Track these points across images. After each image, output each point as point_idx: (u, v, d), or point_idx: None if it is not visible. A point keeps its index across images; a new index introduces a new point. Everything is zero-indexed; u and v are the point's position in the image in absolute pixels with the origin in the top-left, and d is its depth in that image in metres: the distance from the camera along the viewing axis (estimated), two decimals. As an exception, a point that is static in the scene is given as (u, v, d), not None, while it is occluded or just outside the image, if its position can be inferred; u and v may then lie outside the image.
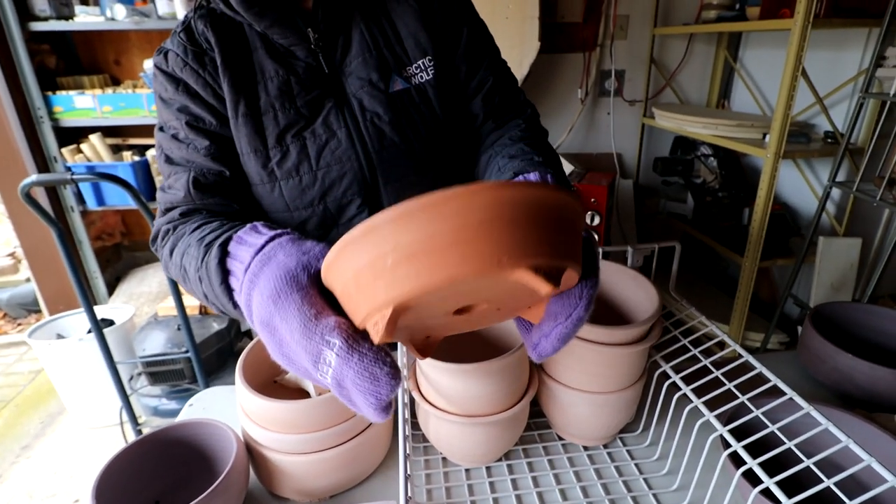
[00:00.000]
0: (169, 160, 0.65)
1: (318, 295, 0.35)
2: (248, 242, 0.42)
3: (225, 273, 0.44)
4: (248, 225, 0.45)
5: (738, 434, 0.53)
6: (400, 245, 0.28)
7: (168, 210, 0.64)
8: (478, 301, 0.36)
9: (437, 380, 0.59)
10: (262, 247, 0.40)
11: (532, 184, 0.30)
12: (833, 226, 1.89)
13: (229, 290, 0.43)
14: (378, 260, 0.29)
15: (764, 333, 1.96)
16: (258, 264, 0.39)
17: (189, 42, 0.64)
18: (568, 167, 2.14)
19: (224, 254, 0.44)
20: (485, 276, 0.28)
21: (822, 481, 0.47)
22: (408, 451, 0.48)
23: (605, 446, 0.68)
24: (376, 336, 0.32)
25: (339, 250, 0.31)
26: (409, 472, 0.46)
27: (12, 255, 2.96)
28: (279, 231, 0.42)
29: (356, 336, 0.32)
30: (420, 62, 0.67)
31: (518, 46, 2.05)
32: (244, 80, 0.64)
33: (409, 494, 0.44)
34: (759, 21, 1.76)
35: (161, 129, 0.66)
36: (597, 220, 1.89)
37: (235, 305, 0.43)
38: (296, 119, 0.64)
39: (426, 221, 0.27)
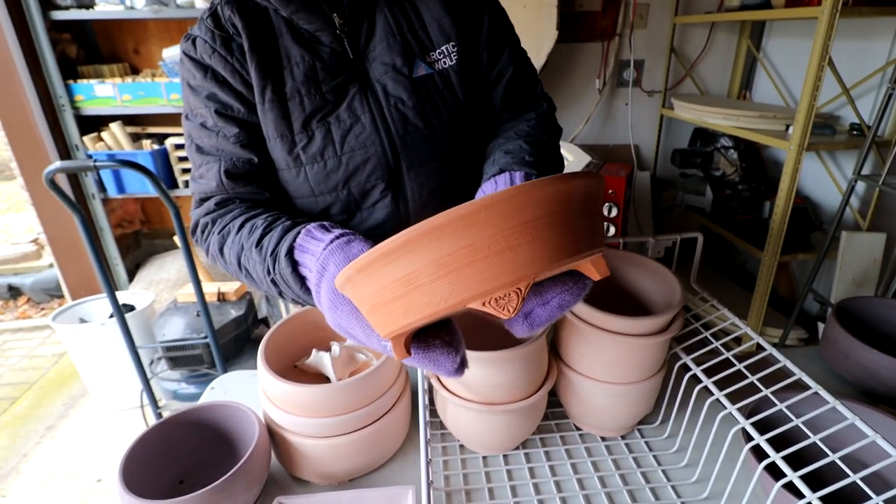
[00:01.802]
0: (199, 150, 0.66)
1: None
2: (309, 251, 0.49)
3: (301, 279, 0.50)
4: (304, 231, 0.51)
5: (760, 428, 0.53)
6: (362, 300, 0.34)
7: (203, 200, 0.66)
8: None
9: (457, 367, 0.59)
10: (320, 255, 0.46)
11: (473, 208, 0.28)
12: (857, 220, 1.85)
13: (309, 292, 0.49)
14: (360, 309, 0.35)
15: (782, 329, 1.93)
16: (318, 276, 0.45)
17: (216, 28, 0.64)
18: (585, 158, 2.11)
19: (294, 263, 0.50)
20: (433, 319, 0.32)
21: (845, 476, 0.46)
22: (428, 437, 0.49)
23: (624, 437, 0.68)
24: (396, 353, 0.36)
25: (341, 287, 0.36)
26: (430, 457, 0.46)
27: (36, 241, 3.02)
28: (332, 236, 0.47)
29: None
30: (444, 48, 0.67)
31: (535, 35, 2.03)
32: (271, 66, 0.64)
33: (430, 479, 0.44)
34: (784, 9, 1.71)
35: (187, 117, 0.67)
36: (614, 212, 1.87)
37: (309, 291, 0.49)
38: (321, 104, 0.65)
39: (374, 280, 0.32)
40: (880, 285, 1.78)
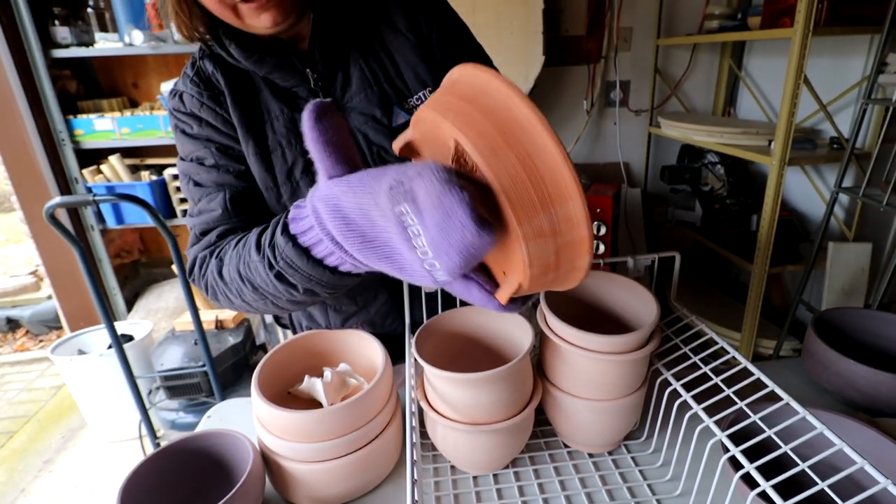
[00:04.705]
0: (198, 184, 0.66)
1: None
2: (300, 205, 0.43)
3: (304, 251, 0.44)
4: (292, 207, 0.45)
5: (739, 439, 0.55)
6: None
7: (203, 234, 0.64)
8: None
9: (443, 389, 0.61)
10: (313, 204, 0.40)
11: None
12: (843, 231, 1.89)
13: (317, 262, 0.44)
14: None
15: (776, 340, 1.95)
16: (315, 215, 0.40)
17: (202, 83, 0.67)
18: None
19: (292, 238, 0.44)
20: None
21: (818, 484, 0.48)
22: (415, 458, 0.51)
23: (610, 453, 0.70)
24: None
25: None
26: (416, 477, 0.48)
27: (34, 273, 3.04)
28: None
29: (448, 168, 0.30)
30: (421, 93, 0.70)
31: (523, 61, 2.09)
32: (253, 120, 0.67)
33: (416, 499, 0.46)
34: (760, 30, 1.78)
35: (183, 158, 0.68)
36: (603, 230, 1.91)
37: (318, 263, 0.44)
38: (302, 155, 0.67)
39: None
40: (870, 294, 1.81)
